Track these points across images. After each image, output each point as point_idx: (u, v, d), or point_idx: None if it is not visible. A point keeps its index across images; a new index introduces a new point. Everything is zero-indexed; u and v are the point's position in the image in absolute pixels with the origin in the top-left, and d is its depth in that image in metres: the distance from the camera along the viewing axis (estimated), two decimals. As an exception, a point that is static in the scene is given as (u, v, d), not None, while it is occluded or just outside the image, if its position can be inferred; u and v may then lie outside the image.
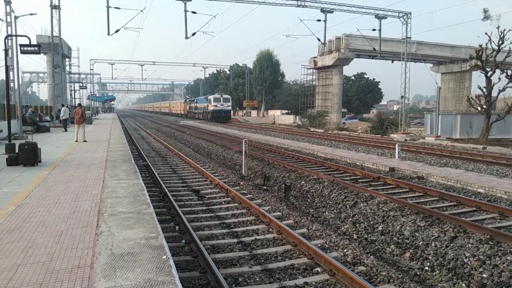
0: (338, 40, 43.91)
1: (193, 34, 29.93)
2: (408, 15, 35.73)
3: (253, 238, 6.44)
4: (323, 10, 35.87)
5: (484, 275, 5.17)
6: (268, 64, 63.39)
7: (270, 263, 5.47)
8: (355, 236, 7.25)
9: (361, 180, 10.65)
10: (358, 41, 41.72)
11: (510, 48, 23.45)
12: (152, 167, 12.51)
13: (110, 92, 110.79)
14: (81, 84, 56.56)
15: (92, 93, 71.89)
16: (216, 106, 47.42)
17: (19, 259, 4.03)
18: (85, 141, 16.78)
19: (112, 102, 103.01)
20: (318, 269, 5.25)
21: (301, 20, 35.61)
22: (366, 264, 5.37)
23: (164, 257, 4.09)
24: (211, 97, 49.71)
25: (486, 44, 23.92)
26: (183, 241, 6.14)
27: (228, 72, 77.99)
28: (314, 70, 49.71)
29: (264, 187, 10.91)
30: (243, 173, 12.53)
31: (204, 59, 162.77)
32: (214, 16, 30.36)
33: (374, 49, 36.56)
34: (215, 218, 7.63)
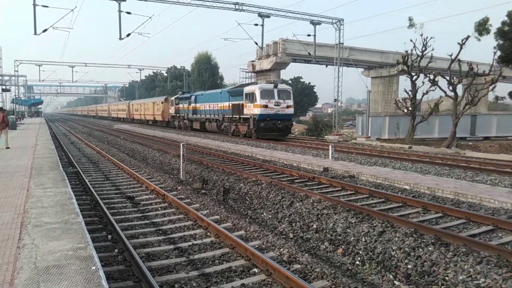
0: (275, 44, 44.84)
1: (128, 35, 28.96)
2: (341, 21, 37.40)
3: (190, 243, 6.35)
4: (260, 15, 36.44)
5: (409, 266, 5.54)
6: (206, 66, 63.08)
7: (208, 267, 5.42)
8: (291, 235, 7.43)
9: (297, 181, 10.94)
10: (294, 46, 42.91)
11: (432, 54, 25.42)
12: (82, 174, 11.88)
13: (38, 95, 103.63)
14: (4, 87, 52.31)
15: (17, 96, 66.73)
16: (266, 107, 22.90)
17: None
18: (7, 147, 15.54)
19: (40, 106, 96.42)
20: (255, 269, 5.30)
21: (239, 24, 35.87)
22: (301, 262, 5.52)
23: (93, 268, 3.90)
24: (254, 88, 23.83)
25: (411, 50, 25.73)
26: (116, 250, 5.89)
27: (165, 74, 76.40)
28: (253, 74, 50.34)
29: (203, 191, 10.82)
30: (181, 177, 12.32)
31: (140, 61, 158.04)
32: (150, 18, 29.62)
33: (309, 54, 37.80)
34: (151, 225, 7.42)
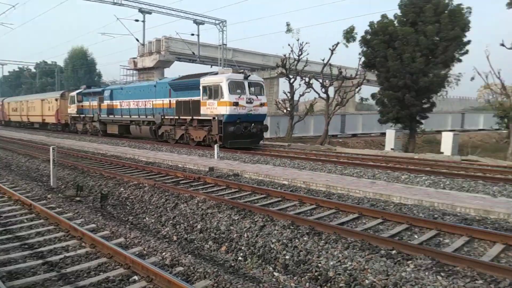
0: (158, 42, 43.63)
1: (-16, 24, 25.30)
2: (224, 23, 38.12)
3: (62, 256, 5.77)
4: (141, 11, 35.21)
5: (287, 257, 5.87)
6: (82, 62, 58.54)
7: (82, 280, 5.00)
8: (175, 238, 7.29)
9: (182, 182, 10.79)
10: (178, 45, 42.31)
11: (307, 58, 27.46)
12: None
13: None
14: None
15: None
16: (236, 105, 17.45)
17: None
18: None
19: None
20: (136, 277, 5.06)
21: (117, 19, 34.14)
22: (184, 264, 5.44)
23: None
24: (218, 79, 17.92)
25: (289, 54, 27.45)
26: (-32, 273, 5.07)
27: (33, 70, 68.62)
28: (135, 71, 48.22)
29: (77, 198, 9.95)
30: (51, 184, 11.17)
31: (2, 54, 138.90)
32: (13, 6, 26.39)
33: (193, 53, 37.69)
34: (14, 240, 6.56)
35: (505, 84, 22.34)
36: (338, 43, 25.85)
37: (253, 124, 18.15)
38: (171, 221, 8.03)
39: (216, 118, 17.58)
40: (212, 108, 17.89)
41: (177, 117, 20.16)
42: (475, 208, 7.48)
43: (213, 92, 17.86)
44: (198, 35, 37.42)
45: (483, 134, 35.72)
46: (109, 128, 26.85)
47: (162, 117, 21.09)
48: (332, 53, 25.77)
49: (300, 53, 27.15)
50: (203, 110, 18.37)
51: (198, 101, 18.58)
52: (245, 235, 6.67)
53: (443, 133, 20.95)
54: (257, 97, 18.33)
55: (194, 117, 19.01)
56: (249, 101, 17.89)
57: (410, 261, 5.20)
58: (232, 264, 6.05)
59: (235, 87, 17.65)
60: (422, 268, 4.99)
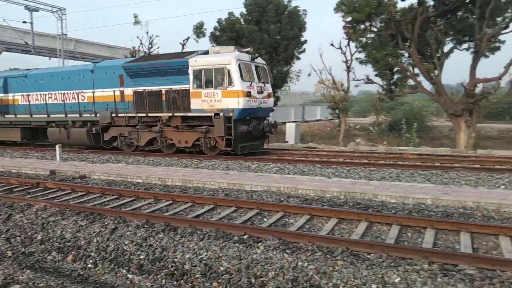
0: (-20, 30, 37.10)
1: None
2: (63, 11, 34.67)
3: None
4: (-48, -9, 29.47)
5: (141, 257, 5.67)
6: None
7: None
8: (9, 253, 6.35)
9: (17, 189, 9.48)
10: (7, 33, 36.63)
11: (158, 52, 26.85)
12: None
13: None
14: None
15: None
16: (249, 96, 13.03)
17: None
18: None
19: None
20: (-45, 307, 4.26)
21: None
22: (22, 281, 4.81)
23: None
24: (223, 59, 12.99)
25: (139, 46, 26.45)
26: None
27: None
28: None
29: None
30: None
31: None
32: None
33: (26, 43, 33.28)
34: None
35: (335, 79, 25.65)
36: (188, 37, 25.96)
37: (266, 121, 14.49)
38: (3, 235, 6.96)
39: (221, 114, 13.04)
40: (213, 101, 13.17)
41: (143, 115, 14.80)
42: (314, 189, 8.43)
43: (214, 78, 13.12)
44: (31, 23, 33.15)
45: (320, 124, 40.38)
46: (3, 133, 19.09)
47: (113, 114, 15.42)
48: (183, 48, 25.77)
49: (150, 46, 26.45)
50: (195, 104, 13.50)
51: (184, 91, 13.72)
52: (95, 240, 6.21)
53: (287, 124, 22.95)
54: (264, 85, 14.20)
55: (177, 114, 14.09)
56: (260, 90, 13.76)
57: (260, 243, 5.56)
58: (81, 273, 5.57)
59: (245, 71, 13.29)
60: (270, 248, 5.40)
